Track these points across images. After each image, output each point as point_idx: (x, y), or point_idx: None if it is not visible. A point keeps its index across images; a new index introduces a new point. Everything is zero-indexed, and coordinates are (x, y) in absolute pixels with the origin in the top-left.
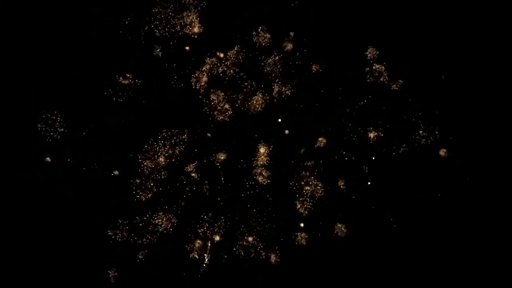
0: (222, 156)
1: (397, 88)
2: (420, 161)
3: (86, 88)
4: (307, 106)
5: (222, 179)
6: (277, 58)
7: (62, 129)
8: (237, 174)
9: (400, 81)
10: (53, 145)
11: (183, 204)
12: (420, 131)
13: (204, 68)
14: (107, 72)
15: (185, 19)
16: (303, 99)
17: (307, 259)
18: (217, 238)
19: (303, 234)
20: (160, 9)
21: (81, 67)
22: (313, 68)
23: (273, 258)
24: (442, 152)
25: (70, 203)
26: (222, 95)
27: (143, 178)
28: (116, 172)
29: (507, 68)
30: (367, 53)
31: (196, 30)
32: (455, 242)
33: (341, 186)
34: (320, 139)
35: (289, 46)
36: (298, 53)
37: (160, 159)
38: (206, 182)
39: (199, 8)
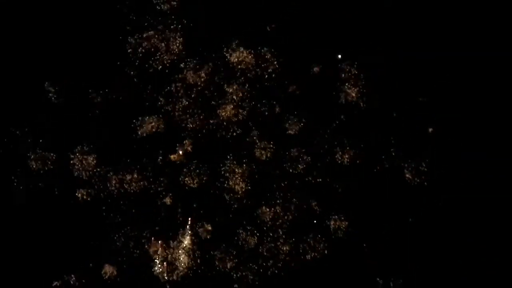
0: (195, 179)
1: (370, 108)
2: (394, 183)
3: (56, 105)
4: (281, 126)
5: (195, 205)
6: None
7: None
8: (211, 197)
9: (375, 101)
10: (22, 166)
11: (156, 228)
12: (394, 153)
13: (179, 88)
14: (79, 89)
15: (164, 38)
16: (278, 119)
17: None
18: (192, 262)
19: (276, 257)
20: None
21: (53, 84)
22: (290, 89)
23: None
24: (411, 174)
25: (38, 225)
26: (197, 115)
27: (114, 199)
28: (84, 194)
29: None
30: (341, 72)
31: (175, 49)
32: (428, 267)
33: (314, 207)
34: (293, 155)
35: (271, 66)
36: (274, 74)
37: (131, 180)
38: (179, 205)
39: (180, 26)
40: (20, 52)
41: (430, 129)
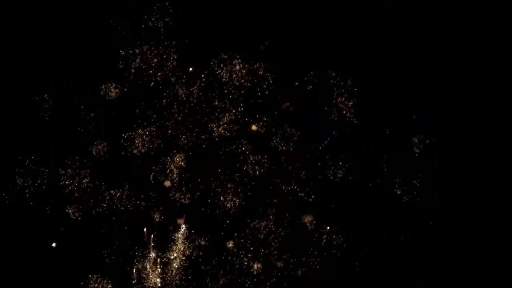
0: (187, 195)
1: (363, 124)
2: (386, 199)
3: (47, 119)
4: (274, 142)
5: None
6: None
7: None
8: (203, 213)
9: (367, 117)
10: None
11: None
12: (386, 169)
13: (171, 103)
14: (70, 103)
15: (158, 54)
16: (271, 135)
17: None
18: (183, 278)
19: (269, 272)
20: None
21: (43, 98)
22: (283, 105)
23: None
24: (402, 191)
25: (28, 240)
26: (190, 130)
27: (105, 215)
28: (75, 210)
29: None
30: (334, 88)
31: (168, 65)
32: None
33: (307, 223)
34: (286, 171)
35: (264, 82)
36: (267, 91)
37: (123, 196)
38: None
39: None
40: (11, 64)
41: (420, 146)
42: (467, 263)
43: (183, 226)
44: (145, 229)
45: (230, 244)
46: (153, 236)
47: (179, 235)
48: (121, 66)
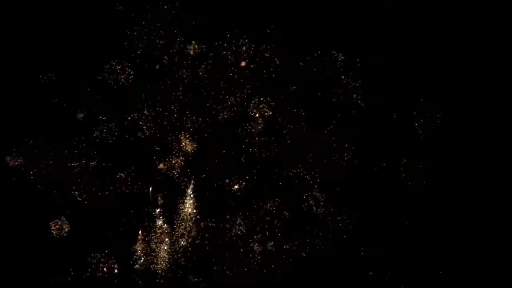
0: (192, 177)
1: (369, 107)
2: (392, 182)
3: (51, 102)
4: (280, 125)
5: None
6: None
7: None
8: (209, 197)
9: (374, 100)
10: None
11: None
12: (391, 152)
13: (177, 86)
14: (74, 86)
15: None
16: (277, 118)
17: None
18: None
19: (274, 255)
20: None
21: (47, 82)
22: (290, 88)
23: None
24: (408, 174)
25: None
26: (196, 113)
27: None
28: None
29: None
30: (341, 70)
31: (174, 48)
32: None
33: (313, 206)
34: (291, 154)
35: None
36: (274, 74)
37: (127, 179)
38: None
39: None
40: (17, 45)
41: (426, 130)
42: (471, 247)
43: (190, 208)
44: (150, 189)
45: (237, 226)
46: (159, 197)
47: (185, 217)
48: (126, 48)
